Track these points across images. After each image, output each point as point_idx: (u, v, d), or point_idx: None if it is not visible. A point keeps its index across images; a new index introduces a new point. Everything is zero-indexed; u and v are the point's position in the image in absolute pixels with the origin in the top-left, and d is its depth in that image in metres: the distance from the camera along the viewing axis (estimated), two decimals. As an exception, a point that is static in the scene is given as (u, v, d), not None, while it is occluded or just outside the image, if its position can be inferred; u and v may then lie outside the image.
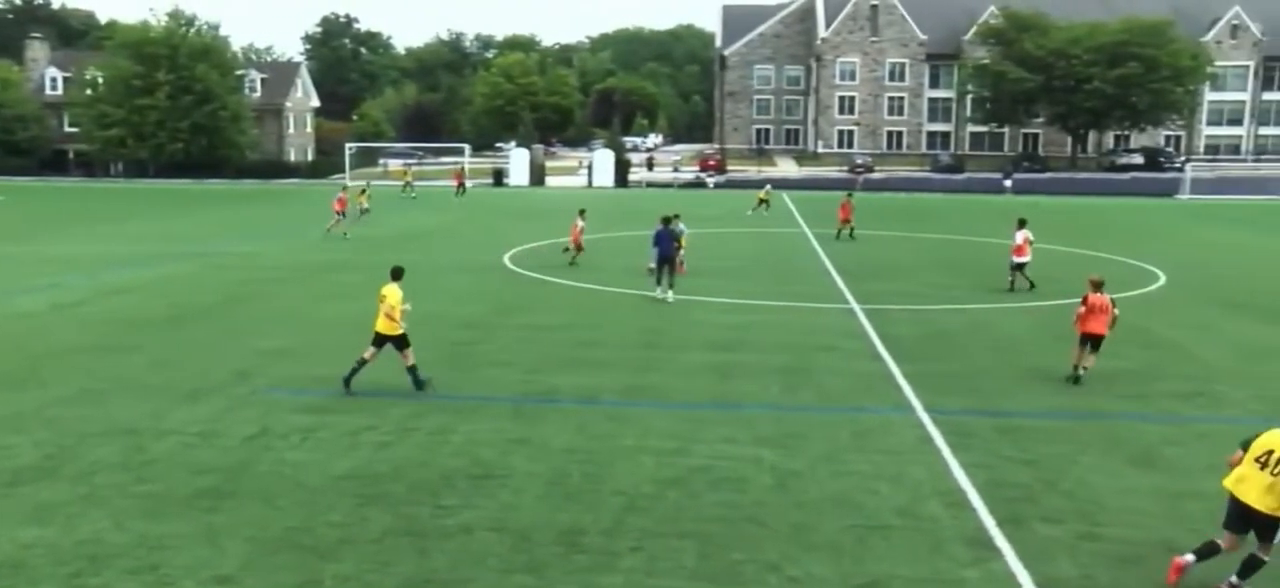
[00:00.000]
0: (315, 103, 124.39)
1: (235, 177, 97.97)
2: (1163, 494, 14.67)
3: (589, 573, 11.66)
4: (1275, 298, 32.62)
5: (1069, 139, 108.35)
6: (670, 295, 29.66)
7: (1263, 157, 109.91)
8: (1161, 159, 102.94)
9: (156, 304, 28.90)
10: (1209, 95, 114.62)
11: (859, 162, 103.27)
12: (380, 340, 18.99)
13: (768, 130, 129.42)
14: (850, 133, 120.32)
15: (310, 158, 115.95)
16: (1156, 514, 13.87)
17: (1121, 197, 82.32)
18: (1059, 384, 20.91)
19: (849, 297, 30.84)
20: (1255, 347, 25.30)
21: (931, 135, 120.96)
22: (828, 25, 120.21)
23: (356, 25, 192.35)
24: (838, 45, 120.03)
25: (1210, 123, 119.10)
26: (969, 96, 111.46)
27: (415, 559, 11.94)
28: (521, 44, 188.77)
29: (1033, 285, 32.77)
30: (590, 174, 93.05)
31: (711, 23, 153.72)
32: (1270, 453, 11.09)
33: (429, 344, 22.29)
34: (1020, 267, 33.08)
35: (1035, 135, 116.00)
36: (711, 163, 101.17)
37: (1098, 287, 21.07)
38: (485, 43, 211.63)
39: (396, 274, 19.52)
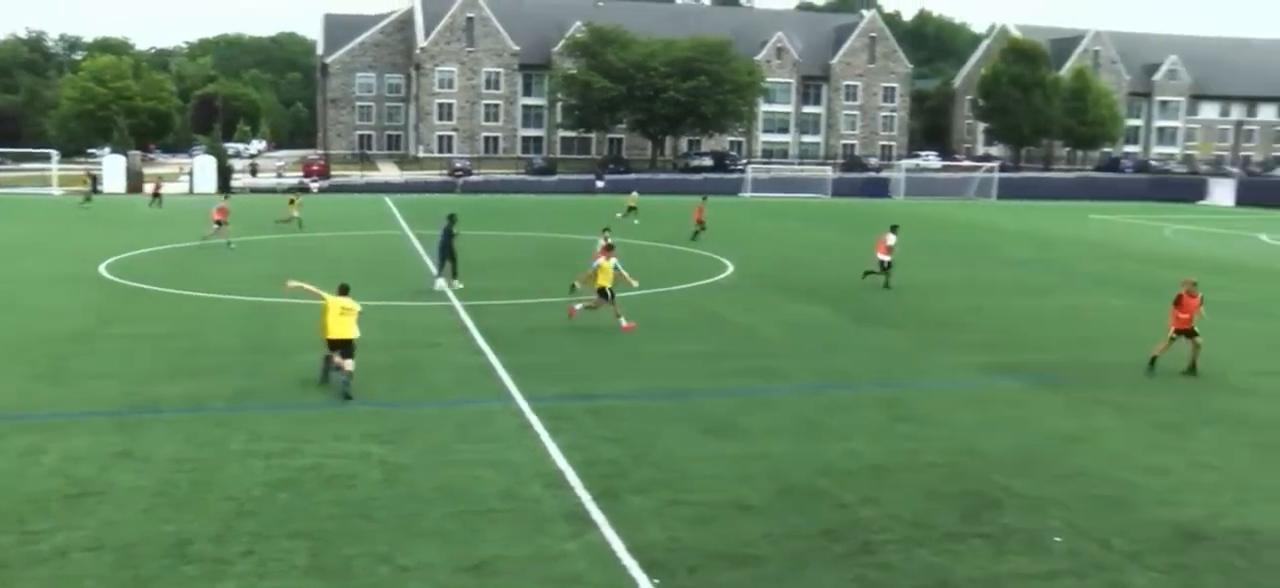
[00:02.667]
0: None
1: None
2: (735, 458, 15.50)
3: (199, 582, 10.94)
4: (818, 280, 35.28)
5: (649, 143, 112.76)
6: (456, 284, 31.29)
7: (805, 160, 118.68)
8: (727, 161, 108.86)
9: None
10: (763, 107, 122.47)
11: (458, 165, 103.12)
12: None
13: (370, 136, 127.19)
14: (449, 138, 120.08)
15: None
16: (731, 477, 14.62)
17: (695, 195, 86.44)
18: (645, 367, 21.68)
19: (451, 295, 30.70)
20: (804, 323, 27.28)
21: (526, 140, 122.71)
22: (427, 35, 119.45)
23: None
24: (436, 55, 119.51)
25: (765, 130, 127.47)
26: (559, 104, 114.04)
27: (4, 588, 10.77)
28: (113, 47, 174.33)
29: (888, 285, 33.52)
30: (191, 180, 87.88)
31: (313, 31, 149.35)
32: None
33: (20, 361, 20.40)
34: (886, 266, 34.04)
35: (619, 139, 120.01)
36: (315, 168, 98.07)
37: (1194, 286, 22.57)
38: (72, 43, 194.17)
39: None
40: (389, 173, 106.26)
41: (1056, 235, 54.92)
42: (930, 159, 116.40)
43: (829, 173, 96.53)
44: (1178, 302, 22.43)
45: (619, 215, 58.47)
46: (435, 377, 20.57)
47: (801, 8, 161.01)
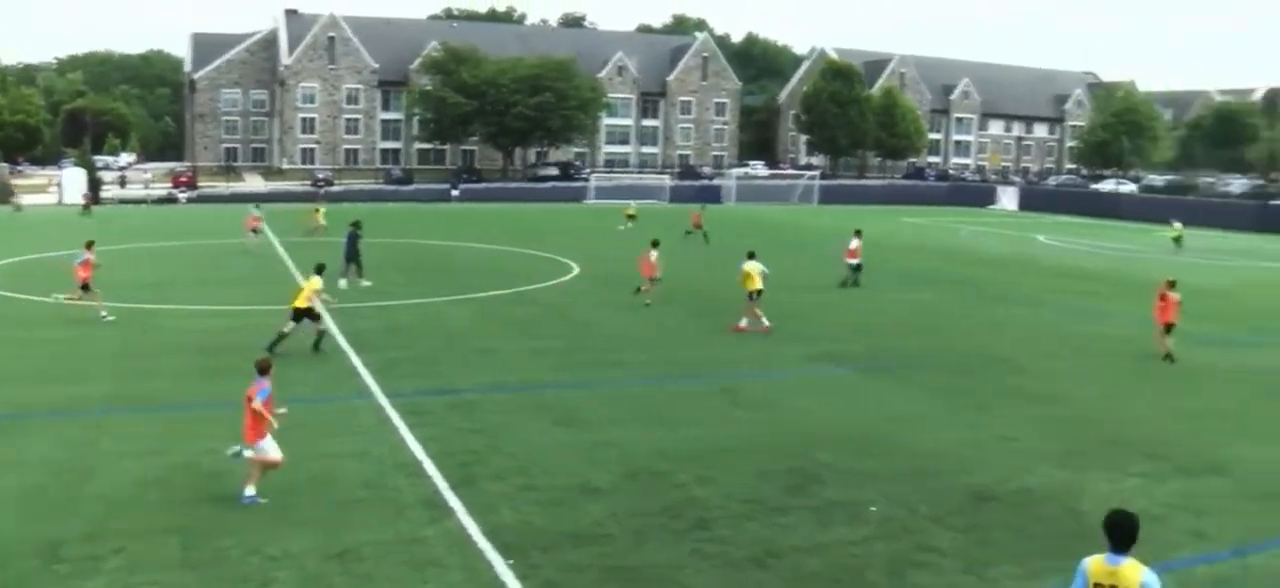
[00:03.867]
0: None
1: None
2: (584, 446, 15.60)
3: (71, 581, 10.49)
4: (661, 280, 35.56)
5: (500, 154, 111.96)
6: (364, 283, 31.61)
7: (644, 169, 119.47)
8: (573, 171, 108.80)
9: None
10: (606, 120, 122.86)
11: (320, 176, 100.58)
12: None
13: (237, 149, 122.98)
14: (312, 150, 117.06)
15: None
16: (579, 463, 14.70)
17: (543, 202, 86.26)
18: (500, 363, 21.62)
19: (331, 298, 29.86)
20: (647, 319, 27.49)
21: (384, 152, 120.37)
22: (290, 53, 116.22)
23: None
24: (299, 72, 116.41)
25: (607, 142, 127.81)
26: (416, 118, 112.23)
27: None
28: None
29: (858, 283, 34.00)
30: (61, 192, 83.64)
31: (181, 49, 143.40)
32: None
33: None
34: (856, 268, 34.35)
35: (473, 151, 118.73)
36: (184, 180, 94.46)
37: (1172, 285, 23.61)
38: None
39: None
40: (255, 184, 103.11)
41: (871, 236, 56.54)
42: (758, 168, 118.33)
43: (666, 181, 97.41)
44: (1161, 299, 23.64)
45: (620, 228, 56.87)
46: (301, 376, 20.08)
47: (640, 30, 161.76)
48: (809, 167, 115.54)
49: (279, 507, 12.63)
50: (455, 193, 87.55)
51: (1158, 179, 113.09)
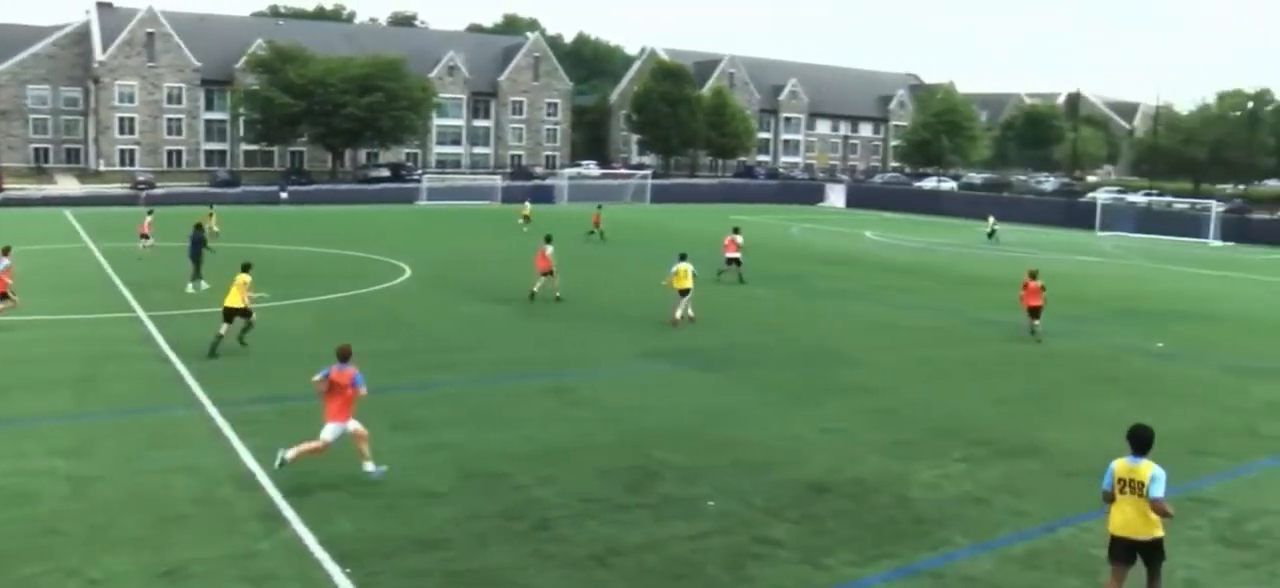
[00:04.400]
0: None
1: None
2: (419, 449, 15.36)
3: None
4: (491, 281, 35.38)
5: (330, 156, 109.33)
6: (203, 285, 30.91)
7: (477, 170, 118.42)
8: (404, 172, 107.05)
9: None
10: (437, 121, 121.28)
11: (141, 179, 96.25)
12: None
13: (47, 149, 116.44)
14: (132, 152, 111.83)
15: None
16: (415, 467, 14.46)
17: (374, 204, 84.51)
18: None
19: (136, 306, 28.64)
20: (480, 320, 27.33)
21: (209, 153, 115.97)
22: (104, 49, 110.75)
23: None
24: (116, 69, 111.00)
25: (439, 142, 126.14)
26: (242, 119, 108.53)
27: None
28: None
29: (743, 281, 34.70)
30: None
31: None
32: (1126, 481, 9.59)
33: None
34: (734, 261, 35.84)
35: (301, 152, 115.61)
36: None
37: (1033, 275, 26.47)
38: None
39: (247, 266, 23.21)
40: (68, 186, 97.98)
41: (703, 233, 57.40)
42: (590, 168, 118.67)
43: (499, 181, 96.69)
44: (1025, 287, 26.41)
45: (520, 223, 59.19)
46: (122, 387, 19.18)
47: (471, 29, 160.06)
48: (640, 166, 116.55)
49: (98, 526, 12.00)
50: (284, 195, 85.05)
51: (976, 177, 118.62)
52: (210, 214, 49.96)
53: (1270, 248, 62.54)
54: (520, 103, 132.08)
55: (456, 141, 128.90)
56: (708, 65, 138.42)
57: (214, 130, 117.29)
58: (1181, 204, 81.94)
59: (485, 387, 20.01)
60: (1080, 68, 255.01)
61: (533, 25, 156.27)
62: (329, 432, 13.57)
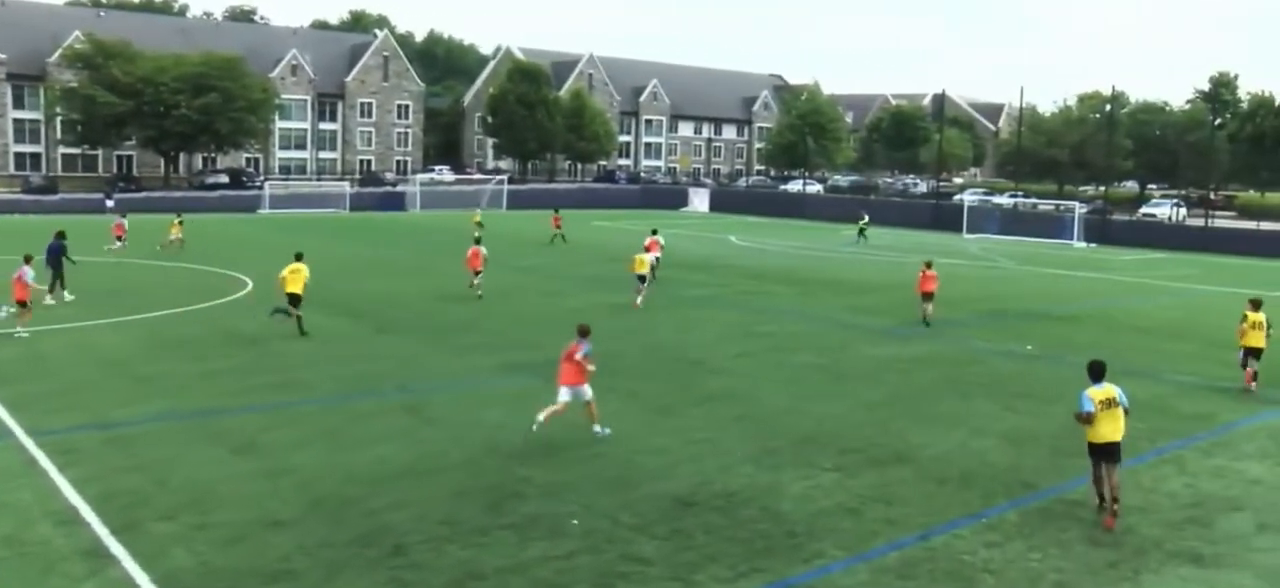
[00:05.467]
0: None
1: None
2: (263, 475, 14.88)
3: None
4: (339, 294, 34.65)
5: (162, 160, 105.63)
6: (67, 297, 31.13)
7: (322, 176, 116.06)
8: (244, 179, 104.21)
9: None
10: (279, 124, 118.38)
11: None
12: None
13: None
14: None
15: None
16: (259, 493, 14.01)
17: (212, 212, 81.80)
18: (164, 389, 20.23)
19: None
20: (327, 336, 26.64)
21: (20, 156, 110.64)
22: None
23: None
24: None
25: (282, 147, 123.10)
26: (59, 119, 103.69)
27: None
28: None
29: (655, 278, 35.67)
30: None
31: None
32: (1104, 401, 13.70)
33: None
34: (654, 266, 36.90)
35: (130, 157, 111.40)
36: None
37: (929, 265, 31.06)
38: None
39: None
40: None
41: (565, 240, 57.24)
42: (444, 173, 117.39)
43: (347, 188, 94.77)
44: (922, 276, 30.57)
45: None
46: (-78, 417, 18.06)
47: (316, 26, 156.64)
48: (497, 171, 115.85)
49: (-103, 571, 11.25)
50: (110, 203, 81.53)
51: (842, 179, 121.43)
52: (177, 222, 51.26)
53: (1130, 248, 65.56)
54: (369, 105, 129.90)
55: (301, 146, 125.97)
56: (566, 65, 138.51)
57: (24, 131, 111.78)
58: (1046, 206, 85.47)
59: (334, 406, 19.52)
60: (946, 69, 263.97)
61: (381, 22, 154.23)
62: (564, 394, 16.73)
